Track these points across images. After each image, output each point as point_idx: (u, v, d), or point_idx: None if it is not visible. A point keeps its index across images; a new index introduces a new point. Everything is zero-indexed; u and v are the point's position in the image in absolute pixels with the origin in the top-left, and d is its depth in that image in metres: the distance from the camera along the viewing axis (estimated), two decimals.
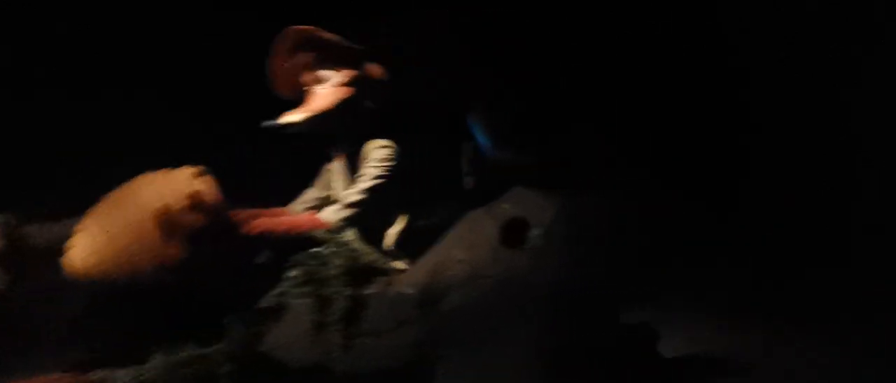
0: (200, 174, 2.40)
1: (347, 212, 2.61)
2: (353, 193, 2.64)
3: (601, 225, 2.49)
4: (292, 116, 2.61)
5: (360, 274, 2.38)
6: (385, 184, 2.66)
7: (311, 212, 2.75)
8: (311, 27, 2.68)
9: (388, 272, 2.46)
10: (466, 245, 2.44)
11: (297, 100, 2.71)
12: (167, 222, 2.30)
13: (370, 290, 2.37)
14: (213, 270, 2.39)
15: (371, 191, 2.64)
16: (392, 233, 2.71)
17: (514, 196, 2.52)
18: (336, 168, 2.83)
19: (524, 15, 4.41)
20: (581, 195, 2.55)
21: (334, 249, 2.40)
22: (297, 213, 2.73)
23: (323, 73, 2.70)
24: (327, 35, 2.68)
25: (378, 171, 2.66)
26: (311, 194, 2.88)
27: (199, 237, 2.32)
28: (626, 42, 4.67)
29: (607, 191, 2.71)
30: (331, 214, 2.60)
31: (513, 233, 2.42)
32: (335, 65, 2.69)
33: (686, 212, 4.23)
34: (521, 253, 2.39)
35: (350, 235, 2.52)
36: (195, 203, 2.33)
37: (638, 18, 4.71)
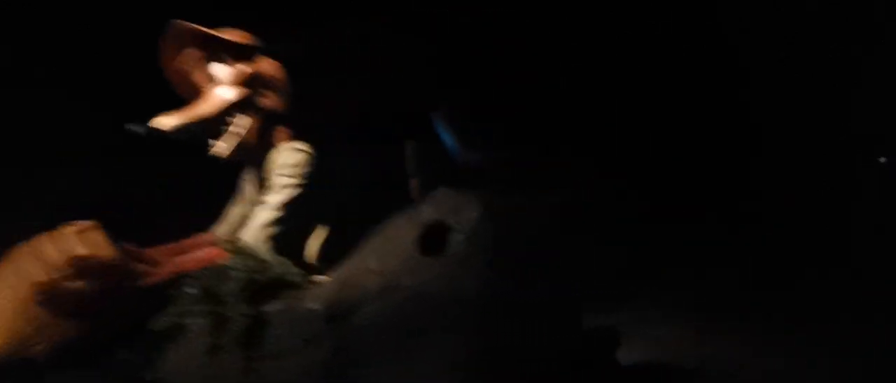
0: (86, 231, 2.15)
1: (267, 232, 2.40)
2: (267, 209, 2.43)
3: (529, 228, 2.27)
4: (164, 120, 2.40)
5: (265, 289, 2.17)
6: (302, 194, 2.45)
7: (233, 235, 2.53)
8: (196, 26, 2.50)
9: (298, 286, 2.24)
10: (381, 254, 2.23)
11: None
12: (51, 296, 2.06)
13: (274, 307, 2.15)
14: (118, 323, 2.18)
15: (286, 204, 2.43)
16: (314, 243, 2.51)
17: (436, 199, 2.30)
18: (249, 178, 2.63)
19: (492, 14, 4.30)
20: (507, 197, 2.33)
21: (238, 262, 2.19)
22: (211, 243, 2.49)
23: (215, 71, 2.50)
24: (213, 31, 2.49)
25: (290, 180, 2.45)
26: (235, 211, 2.67)
27: (92, 301, 2.10)
28: (601, 42, 4.58)
29: (539, 192, 2.49)
30: (249, 239, 2.39)
31: (432, 239, 2.21)
32: (227, 63, 2.49)
33: (655, 215, 4.07)
34: (440, 260, 2.17)
35: (261, 246, 2.32)
36: (80, 267, 2.09)
37: (615, 17, 4.62)
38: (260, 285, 2.16)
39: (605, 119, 4.53)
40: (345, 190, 2.53)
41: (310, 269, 2.42)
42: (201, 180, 2.74)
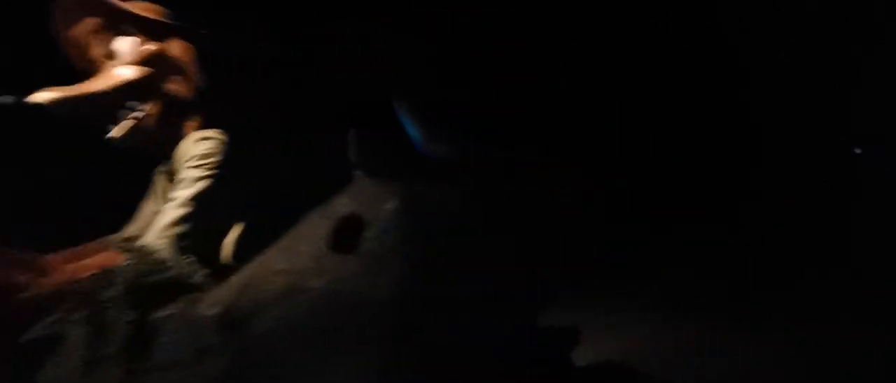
0: None
1: (173, 231, 2.15)
2: (173, 207, 2.19)
3: (457, 221, 2.02)
4: (43, 94, 2.14)
5: (157, 292, 1.92)
6: (213, 187, 2.21)
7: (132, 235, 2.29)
8: None
9: (200, 288, 1.99)
10: (289, 252, 1.99)
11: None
12: None
13: (164, 313, 1.90)
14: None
15: (195, 199, 2.19)
16: (229, 241, 2.27)
17: (354, 189, 2.06)
18: (162, 171, 2.39)
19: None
20: (436, 186, 2.08)
21: (129, 263, 1.95)
22: (106, 250, 2.24)
23: (116, 45, 2.26)
24: (115, 1, 2.25)
25: (199, 172, 2.21)
26: (147, 208, 2.43)
27: None
28: (575, 34, 4.47)
29: (475, 181, 2.25)
30: (151, 241, 2.14)
31: (344, 234, 1.96)
32: (131, 38, 2.25)
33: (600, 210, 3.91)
34: (354, 257, 1.92)
35: (164, 246, 2.08)
36: None
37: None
38: (150, 288, 1.92)
39: (579, 115, 4.39)
40: (266, 182, 2.28)
41: (225, 270, 2.17)
42: (115, 176, 2.50)
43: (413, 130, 3.38)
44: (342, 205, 2.06)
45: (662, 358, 2.80)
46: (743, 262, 4.03)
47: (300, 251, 2.01)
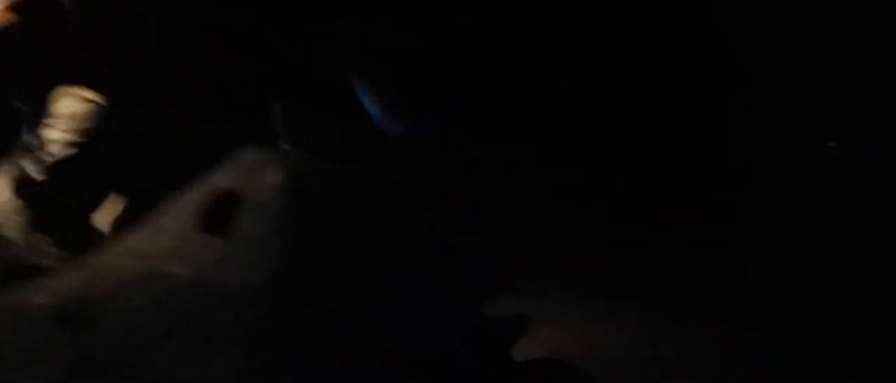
0: None
1: (22, 204, 1.86)
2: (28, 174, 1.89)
3: (354, 201, 1.73)
4: None
5: None
6: (78, 155, 1.91)
7: None
8: None
9: (45, 272, 1.70)
10: (151, 232, 1.69)
11: None
12: None
13: None
14: None
15: (56, 168, 1.89)
16: (104, 219, 1.97)
17: (236, 161, 1.77)
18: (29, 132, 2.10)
19: None
20: (335, 160, 1.80)
21: None
22: None
23: None
24: None
25: (66, 136, 1.91)
26: (7, 175, 2.13)
27: None
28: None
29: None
30: None
31: (218, 214, 1.67)
32: None
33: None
34: (226, 240, 1.64)
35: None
36: None
37: None
38: None
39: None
40: (150, 153, 1.99)
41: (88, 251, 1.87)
42: None
43: (372, 106, 3.16)
44: (219, 178, 1.76)
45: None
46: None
47: (165, 231, 1.71)
